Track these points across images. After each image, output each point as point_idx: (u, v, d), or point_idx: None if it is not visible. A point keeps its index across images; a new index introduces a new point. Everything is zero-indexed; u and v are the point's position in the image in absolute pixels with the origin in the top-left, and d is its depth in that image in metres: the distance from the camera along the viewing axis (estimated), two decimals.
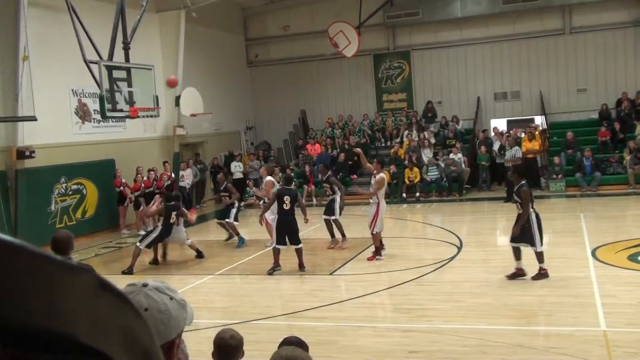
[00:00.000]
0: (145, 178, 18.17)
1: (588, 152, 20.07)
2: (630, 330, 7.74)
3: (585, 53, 23.31)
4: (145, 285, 1.86)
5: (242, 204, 18.15)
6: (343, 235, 13.76)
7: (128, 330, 0.72)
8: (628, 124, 21.35)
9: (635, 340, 7.38)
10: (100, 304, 0.69)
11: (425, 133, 22.85)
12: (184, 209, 13.65)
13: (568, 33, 23.49)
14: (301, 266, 11.83)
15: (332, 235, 13.93)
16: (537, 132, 21.44)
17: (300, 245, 11.82)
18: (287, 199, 11.71)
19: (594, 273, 10.23)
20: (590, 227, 14.07)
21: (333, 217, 13.82)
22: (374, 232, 12.28)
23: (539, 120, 23.50)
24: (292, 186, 12.48)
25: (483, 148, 21.58)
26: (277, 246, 11.80)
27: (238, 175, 23.07)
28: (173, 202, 13.07)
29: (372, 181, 12.44)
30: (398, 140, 23.61)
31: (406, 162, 21.54)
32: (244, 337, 4.07)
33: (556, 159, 20.49)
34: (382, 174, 12.37)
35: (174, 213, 12.86)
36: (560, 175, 20.30)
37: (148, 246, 12.85)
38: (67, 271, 0.65)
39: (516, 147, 19.97)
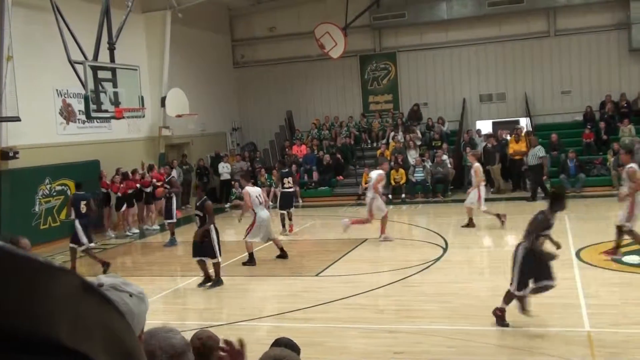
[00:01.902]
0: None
1: (572, 154, 20.21)
2: (614, 330, 7.79)
3: (570, 55, 23.48)
4: (100, 285, 1.79)
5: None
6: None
7: (111, 332, 0.72)
8: (611, 126, 21.54)
9: (618, 341, 7.44)
10: (83, 306, 0.68)
11: (411, 135, 22.93)
12: (92, 200, 13.93)
13: (553, 35, 23.65)
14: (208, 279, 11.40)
15: (284, 225, 16.07)
16: (522, 134, 21.57)
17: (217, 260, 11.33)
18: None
19: (578, 274, 10.30)
20: (575, 229, 14.17)
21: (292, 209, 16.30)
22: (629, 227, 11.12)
23: (524, 122, 23.64)
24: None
25: (468, 149, 21.68)
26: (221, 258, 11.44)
27: (225, 176, 23.04)
28: (82, 192, 13.44)
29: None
30: (384, 141, 23.68)
31: (392, 163, 21.60)
32: (229, 338, 4.04)
33: None
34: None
35: (82, 202, 13.04)
36: (544, 177, 20.41)
37: (88, 240, 12.96)
38: (49, 273, 0.64)
39: (538, 147, 19.90)
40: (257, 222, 12.44)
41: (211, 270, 11.26)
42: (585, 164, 20.42)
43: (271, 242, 12.98)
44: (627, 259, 11.17)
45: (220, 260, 11.22)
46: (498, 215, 15.10)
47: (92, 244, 13.44)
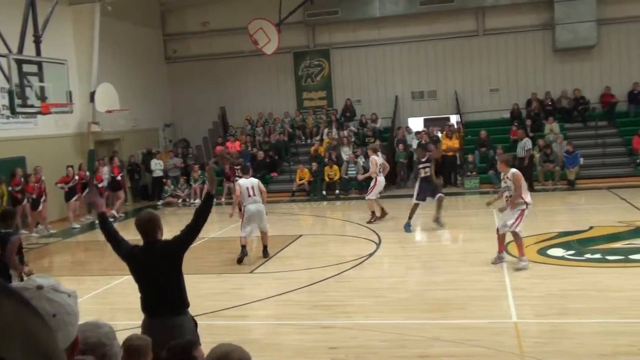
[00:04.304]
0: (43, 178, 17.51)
1: (500, 151, 20.74)
2: (539, 321, 8.08)
3: (497, 54, 24.14)
4: (40, 287, 1.73)
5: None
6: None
7: (30, 335, 0.70)
8: (537, 123, 22.27)
9: (543, 331, 7.71)
10: (0, 310, 0.67)
11: (345, 132, 23.11)
12: None
13: (482, 34, 24.26)
14: None
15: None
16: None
17: None
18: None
19: (506, 267, 10.61)
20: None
21: None
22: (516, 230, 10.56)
23: (454, 119, 24.16)
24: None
25: (401, 146, 22.03)
26: None
27: (158, 173, 22.63)
28: None
29: (508, 183, 10.63)
30: (318, 138, 23.78)
31: (326, 159, 21.72)
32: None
33: (470, 157, 21.12)
34: (513, 170, 10.78)
35: None
36: (474, 173, 20.94)
37: None
38: None
39: (526, 139, 20.25)
40: (245, 214, 12.30)
41: None
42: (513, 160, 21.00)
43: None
44: (551, 251, 11.59)
45: None
46: (383, 209, 15.91)
47: None
